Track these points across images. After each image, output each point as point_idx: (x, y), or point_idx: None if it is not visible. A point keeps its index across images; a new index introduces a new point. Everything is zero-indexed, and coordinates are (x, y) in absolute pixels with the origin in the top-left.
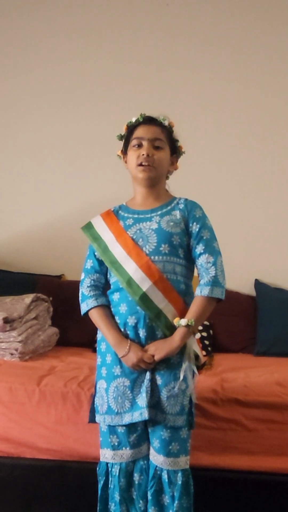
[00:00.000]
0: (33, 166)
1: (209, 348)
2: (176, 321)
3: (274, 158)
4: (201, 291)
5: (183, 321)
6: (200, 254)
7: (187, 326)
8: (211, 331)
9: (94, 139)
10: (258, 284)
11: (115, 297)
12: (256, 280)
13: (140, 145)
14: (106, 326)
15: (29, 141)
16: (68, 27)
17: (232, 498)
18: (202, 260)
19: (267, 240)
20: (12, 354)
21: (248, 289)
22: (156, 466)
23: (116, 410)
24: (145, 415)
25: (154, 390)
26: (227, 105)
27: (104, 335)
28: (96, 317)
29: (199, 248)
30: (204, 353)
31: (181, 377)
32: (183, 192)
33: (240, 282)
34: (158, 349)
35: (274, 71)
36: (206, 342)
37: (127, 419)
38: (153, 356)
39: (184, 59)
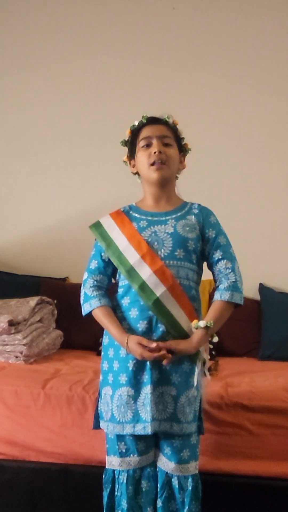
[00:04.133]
0: (37, 168)
1: (213, 352)
2: (194, 323)
3: (279, 162)
4: (221, 296)
5: (202, 323)
6: (219, 260)
7: (206, 328)
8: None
9: (98, 142)
10: (262, 288)
11: (125, 301)
12: (260, 284)
13: (149, 145)
14: (110, 322)
15: (32, 144)
16: (72, 30)
17: (236, 503)
18: (221, 266)
19: (272, 244)
20: (17, 357)
21: (252, 293)
22: (167, 472)
23: (118, 419)
24: (149, 430)
25: (168, 403)
26: (233, 108)
27: (109, 332)
28: (100, 316)
29: (217, 254)
30: (208, 357)
31: (195, 383)
32: (187, 196)
33: (244, 286)
34: (175, 343)
35: (281, 75)
36: (210, 346)
37: (128, 430)
38: (158, 345)
39: (190, 62)
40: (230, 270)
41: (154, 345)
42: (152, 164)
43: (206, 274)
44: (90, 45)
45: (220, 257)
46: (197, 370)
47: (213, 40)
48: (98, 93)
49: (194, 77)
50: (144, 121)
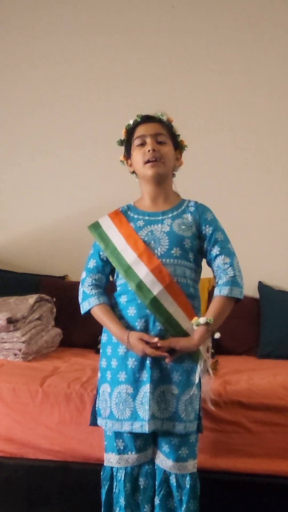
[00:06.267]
0: (37, 167)
1: (212, 351)
2: (195, 320)
3: (278, 160)
4: (220, 291)
5: (202, 320)
6: (217, 256)
7: (206, 324)
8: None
9: (98, 140)
10: (261, 286)
11: (122, 299)
12: (259, 282)
13: (143, 143)
14: (109, 320)
15: (32, 143)
16: (72, 28)
17: (235, 500)
18: (219, 262)
19: (271, 242)
20: (15, 354)
21: (251, 291)
22: (165, 470)
23: (117, 417)
24: (146, 429)
25: (170, 401)
26: (231, 107)
27: (109, 329)
28: (99, 314)
29: (215, 250)
30: (208, 355)
31: (197, 381)
32: (185, 194)
33: (243, 284)
34: (175, 341)
35: (279, 73)
36: (209, 344)
37: (126, 427)
38: (156, 341)
39: (188, 61)
40: (228, 265)
41: (156, 339)
42: (147, 162)
43: (206, 273)
44: (89, 44)
45: (218, 252)
46: (199, 368)
47: (212, 39)
48: (96, 93)
49: (192, 76)
50: (139, 119)
